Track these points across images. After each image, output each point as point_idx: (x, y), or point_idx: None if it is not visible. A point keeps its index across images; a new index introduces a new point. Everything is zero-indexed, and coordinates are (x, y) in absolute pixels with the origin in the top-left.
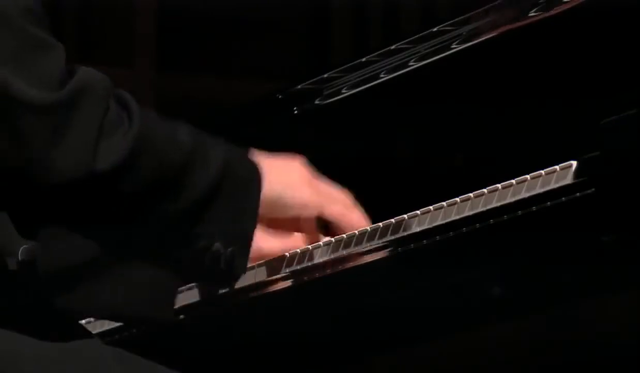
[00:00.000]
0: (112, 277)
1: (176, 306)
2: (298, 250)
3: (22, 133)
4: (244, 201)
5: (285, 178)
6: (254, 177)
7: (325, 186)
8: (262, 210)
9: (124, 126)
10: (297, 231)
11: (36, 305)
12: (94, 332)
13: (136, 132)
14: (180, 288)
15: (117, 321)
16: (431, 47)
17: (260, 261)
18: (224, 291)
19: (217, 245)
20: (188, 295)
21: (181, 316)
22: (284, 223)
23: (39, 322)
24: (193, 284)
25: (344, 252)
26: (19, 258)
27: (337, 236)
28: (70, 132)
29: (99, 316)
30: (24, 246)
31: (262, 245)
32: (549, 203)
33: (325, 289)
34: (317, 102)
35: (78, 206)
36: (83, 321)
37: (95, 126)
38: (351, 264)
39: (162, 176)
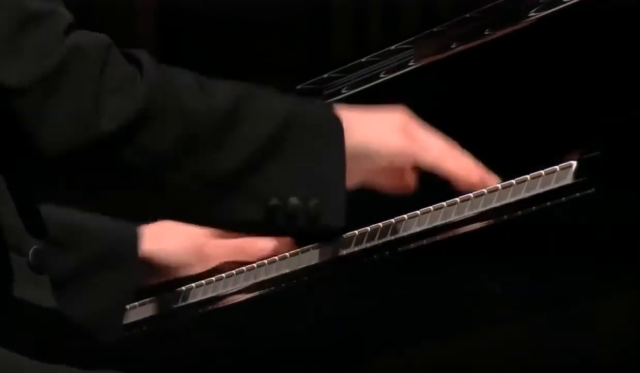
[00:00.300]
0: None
1: (175, 306)
2: (299, 250)
3: (14, 117)
4: (321, 149)
5: (374, 127)
6: (332, 124)
7: (424, 132)
8: (349, 163)
9: (133, 81)
10: (396, 184)
11: (41, 308)
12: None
13: (148, 86)
14: (180, 289)
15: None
16: (431, 47)
17: (259, 262)
18: (223, 291)
19: (293, 201)
20: (188, 295)
21: (180, 317)
22: (378, 176)
23: (42, 326)
24: (191, 284)
25: (344, 252)
26: (30, 258)
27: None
28: (64, 98)
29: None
30: (35, 247)
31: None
32: (549, 203)
33: (325, 289)
34: None
35: (97, 175)
36: None
37: (92, 85)
38: (351, 264)
39: (194, 131)
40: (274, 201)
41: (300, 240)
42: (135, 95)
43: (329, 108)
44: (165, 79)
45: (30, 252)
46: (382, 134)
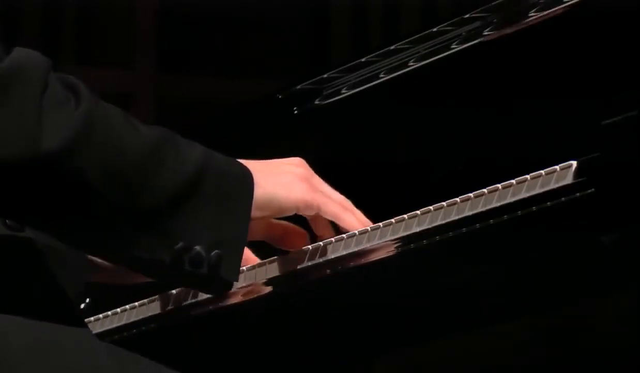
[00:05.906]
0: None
1: (175, 306)
2: (298, 250)
3: None
4: (231, 203)
5: (279, 178)
6: (244, 178)
7: (325, 185)
8: (256, 213)
9: (70, 103)
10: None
11: (33, 288)
12: (93, 332)
13: (85, 109)
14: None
15: None
16: (431, 47)
17: (261, 261)
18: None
19: (197, 248)
20: (187, 295)
21: (180, 316)
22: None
23: (35, 306)
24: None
25: (344, 252)
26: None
27: (337, 236)
28: (6, 113)
29: None
30: None
31: None
32: (548, 203)
33: (324, 289)
34: (317, 102)
35: (28, 196)
36: None
37: (32, 103)
38: (351, 265)
39: (121, 162)
40: (180, 245)
41: (200, 290)
42: (73, 117)
43: (239, 163)
44: (99, 107)
45: None
46: (289, 184)
